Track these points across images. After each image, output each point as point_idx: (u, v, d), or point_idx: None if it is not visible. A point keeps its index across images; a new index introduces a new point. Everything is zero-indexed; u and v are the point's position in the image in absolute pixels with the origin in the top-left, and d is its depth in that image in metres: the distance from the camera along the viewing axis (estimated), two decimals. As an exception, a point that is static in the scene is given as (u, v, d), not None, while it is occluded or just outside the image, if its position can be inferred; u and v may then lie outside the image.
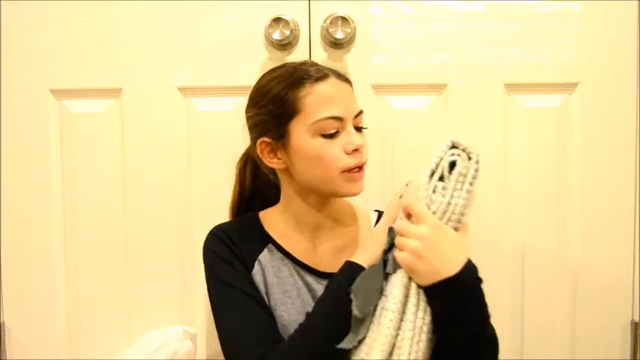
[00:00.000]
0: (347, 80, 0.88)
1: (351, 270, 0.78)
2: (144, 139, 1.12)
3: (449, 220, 0.73)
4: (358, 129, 0.87)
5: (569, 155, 1.11)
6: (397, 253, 0.73)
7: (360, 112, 0.87)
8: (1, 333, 1.14)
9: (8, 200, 1.13)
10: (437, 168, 0.75)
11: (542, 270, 1.12)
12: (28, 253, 1.14)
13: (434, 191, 0.74)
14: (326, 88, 0.84)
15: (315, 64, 0.88)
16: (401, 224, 0.75)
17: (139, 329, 1.11)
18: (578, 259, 1.12)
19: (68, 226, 1.13)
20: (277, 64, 1.08)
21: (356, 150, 0.84)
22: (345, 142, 0.84)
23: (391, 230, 0.76)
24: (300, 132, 0.84)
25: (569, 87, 1.11)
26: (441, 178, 0.74)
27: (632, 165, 1.11)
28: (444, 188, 0.74)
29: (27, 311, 1.14)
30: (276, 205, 0.95)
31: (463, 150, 0.75)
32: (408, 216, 0.75)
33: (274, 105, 0.85)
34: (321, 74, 0.85)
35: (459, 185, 0.73)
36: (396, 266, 0.74)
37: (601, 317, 1.12)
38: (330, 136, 0.83)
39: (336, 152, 0.83)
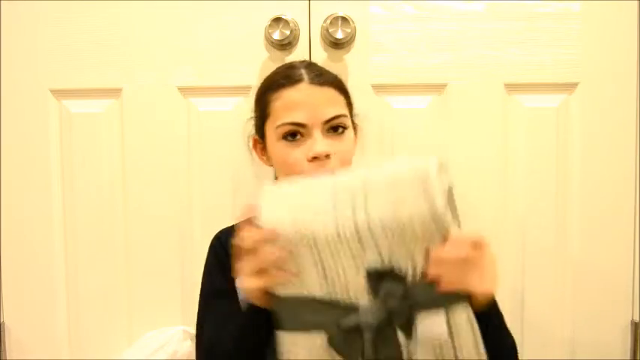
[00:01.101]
0: (330, 83, 0.85)
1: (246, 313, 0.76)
2: (144, 139, 1.12)
3: None
4: (336, 130, 0.84)
5: (569, 155, 1.11)
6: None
7: (336, 117, 0.84)
8: (1, 333, 1.14)
9: (8, 200, 1.13)
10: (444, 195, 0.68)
11: (542, 270, 1.12)
12: (28, 253, 1.14)
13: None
14: (292, 93, 0.84)
15: (306, 67, 0.87)
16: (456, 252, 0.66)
17: (139, 329, 1.11)
18: (578, 259, 1.12)
19: (68, 226, 1.13)
20: (277, 64, 1.09)
21: (316, 158, 0.81)
22: (307, 149, 0.82)
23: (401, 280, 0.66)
24: (270, 135, 0.86)
25: (569, 87, 1.11)
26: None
27: (632, 165, 1.11)
28: (451, 213, 0.69)
29: (27, 311, 1.14)
30: None
31: (444, 169, 0.70)
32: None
33: (257, 105, 0.91)
34: (295, 79, 0.85)
35: (455, 207, 0.71)
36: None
37: (601, 317, 1.12)
38: (293, 142, 0.83)
39: (297, 158, 0.83)
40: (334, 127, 0.84)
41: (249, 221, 0.68)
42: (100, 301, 1.14)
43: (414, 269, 0.65)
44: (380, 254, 0.65)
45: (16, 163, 1.13)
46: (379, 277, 0.65)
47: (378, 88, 1.10)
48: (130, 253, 1.13)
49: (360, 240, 0.65)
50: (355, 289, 0.66)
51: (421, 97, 1.11)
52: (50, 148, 1.13)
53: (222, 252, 0.89)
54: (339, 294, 0.66)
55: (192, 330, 1.08)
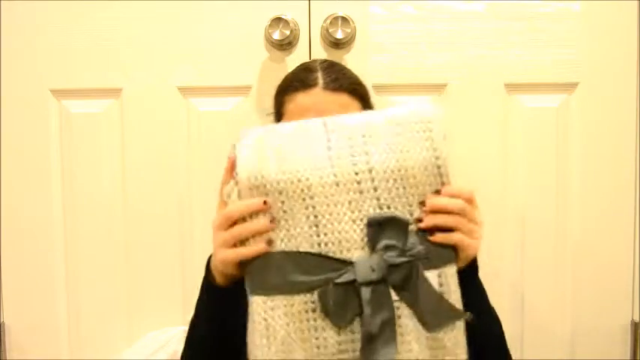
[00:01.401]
0: (344, 89, 0.85)
1: (207, 291, 0.75)
2: (144, 139, 1.12)
3: None
4: None
5: (569, 155, 1.11)
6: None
7: None
8: (1, 333, 1.14)
9: (8, 200, 1.13)
10: None
11: (542, 269, 1.12)
12: (28, 253, 1.13)
13: None
14: (304, 98, 0.84)
15: (324, 69, 0.86)
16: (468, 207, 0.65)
17: (139, 329, 1.11)
18: (578, 259, 1.12)
19: (68, 226, 1.13)
20: (277, 64, 1.09)
21: None
22: None
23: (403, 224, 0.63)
24: None
25: (569, 87, 1.11)
26: None
27: (632, 165, 1.11)
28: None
29: (27, 311, 1.14)
30: None
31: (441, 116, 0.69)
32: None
33: (275, 103, 0.91)
34: (309, 83, 0.85)
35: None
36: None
37: (601, 317, 1.12)
38: None
39: None
40: None
41: (231, 175, 0.65)
42: (100, 301, 1.14)
43: (412, 221, 0.63)
44: (379, 204, 0.62)
45: (16, 163, 1.13)
46: (380, 227, 0.62)
47: (378, 88, 1.10)
48: (130, 253, 1.13)
49: (359, 187, 0.62)
50: (348, 242, 0.62)
51: (421, 97, 1.11)
52: (50, 148, 1.13)
53: None
54: (331, 248, 0.62)
55: (193, 330, 1.09)
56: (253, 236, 0.63)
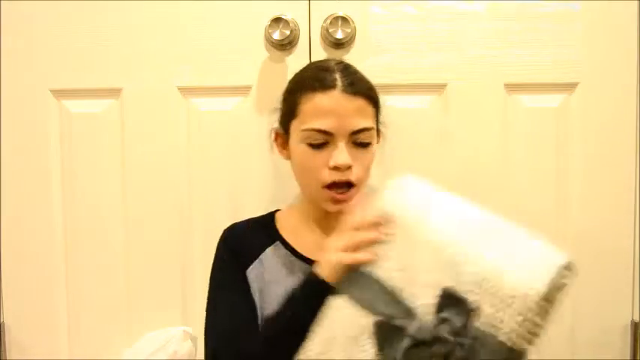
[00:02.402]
0: (361, 94, 0.85)
1: (311, 285, 0.76)
2: (144, 139, 1.12)
3: None
4: (361, 144, 0.84)
5: (569, 155, 1.11)
6: None
7: (364, 130, 0.84)
8: (1, 333, 1.14)
9: (8, 200, 1.13)
10: None
11: (542, 270, 1.12)
12: (28, 253, 1.13)
13: None
14: (323, 100, 0.83)
15: (341, 71, 0.86)
16: None
17: (139, 329, 1.11)
18: (577, 259, 1.12)
19: (68, 226, 1.13)
20: (277, 64, 1.09)
21: (337, 168, 0.82)
22: (330, 158, 0.82)
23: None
24: (294, 135, 0.86)
25: (569, 87, 1.11)
26: None
27: (632, 165, 1.11)
28: None
29: (27, 311, 1.14)
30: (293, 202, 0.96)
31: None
32: None
33: (286, 102, 0.89)
34: (328, 84, 0.84)
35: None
36: None
37: (601, 317, 1.12)
38: (317, 148, 0.83)
39: (318, 164, 0.83)
40: (359, 141, 0.84)
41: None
42: (100, 301, 1.14)
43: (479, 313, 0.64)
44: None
45: (16, 163, 1.13)
46: (448, 300, 0.64)
47: (378, 88, 1.09)
48: (130, 253, 1.13)
49: (456, 275, 0.65)
50: (419, 290, 0.67)
51: (421, 97, 1.11)
52: (50, 148, 1.13)
53: (234, 243, 0.90)
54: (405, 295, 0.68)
55: (193, 330, 1.09)
56: (366, 246, 0.72)
